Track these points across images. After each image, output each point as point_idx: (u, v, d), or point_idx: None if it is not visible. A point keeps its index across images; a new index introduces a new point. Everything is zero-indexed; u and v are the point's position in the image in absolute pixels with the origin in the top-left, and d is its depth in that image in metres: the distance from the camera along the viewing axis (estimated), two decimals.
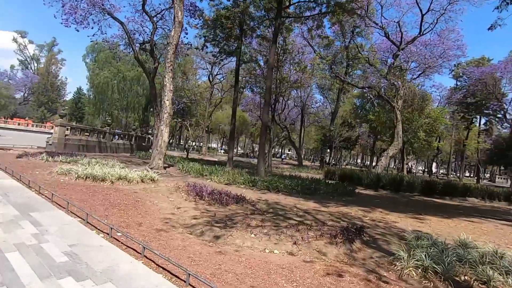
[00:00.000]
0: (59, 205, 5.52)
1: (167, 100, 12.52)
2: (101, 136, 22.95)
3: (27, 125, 50.68)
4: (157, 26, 24.38)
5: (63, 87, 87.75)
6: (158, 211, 5.82)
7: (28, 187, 6.85)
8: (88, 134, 21.54)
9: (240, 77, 42.96)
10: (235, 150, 68.16)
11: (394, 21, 26.16)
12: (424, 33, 25.68)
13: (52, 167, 10.45)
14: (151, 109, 42.42)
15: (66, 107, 36.81)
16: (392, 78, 26.41)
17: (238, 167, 21.33)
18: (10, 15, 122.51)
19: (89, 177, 8.67)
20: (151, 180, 9.69)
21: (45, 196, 6.13)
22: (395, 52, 27.99)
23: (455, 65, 38.23)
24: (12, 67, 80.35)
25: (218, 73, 41.12)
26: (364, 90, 28.23)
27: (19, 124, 51.13)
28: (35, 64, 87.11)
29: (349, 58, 33.37)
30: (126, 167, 12.83)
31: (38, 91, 76.49)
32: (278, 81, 28.81)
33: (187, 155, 32.38)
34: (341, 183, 15.70)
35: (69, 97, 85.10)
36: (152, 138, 40.31)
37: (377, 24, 26.69)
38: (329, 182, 15.77)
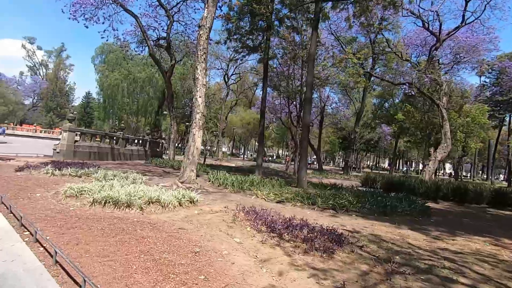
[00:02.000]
0: (71, 278, 3.01)
1: (200, 97, 10.03)
2: (114, 142, 20.65)
3: (35, 131, 49.01)
4: (174, 20, 22.13)
5: (72, 92, 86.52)
6: (243, 278, 3.26)
7: (20, 226, 4.37)
8: (100, 140, 19.24)
9: (255, 76, 40.27)
10: (241, 154, 65.71)
11: (431, 10, 23.40)
12: (467, 22, 22.80)
13: (59, 185, 8.02)
14: (164, 112, 40.26)
15: (75, 111, 34.82)
16: (432, 74, 23.66)
17: (265, 174, 18.81)
18: (19, 23, 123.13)
19: (109, 202, 6.18)
20: (190, 202, 7.16)
21: (44, 252, 3.63)
22: (434, 44, 25.24)
23: (482, 60, 35.12)
24: (21, 73, 79.65)
25: (234, 73, 38.70)
26: (403, 87, 25.40)
27: (27, 130, 49.50)
28: (44, 70, 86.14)
29: (375, 53, 30.79)
30: (149, 180, 10.36)
31: (46, 96, 75.27)
32: (303, 79, 26.30)
33: (204, 160, 29.93)
34: (404, 195, 12.93)
35: (77, 102, 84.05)
36: (165, 144, 38.08)
37: (414, 13, 23.90)
38: (391, 194, 13.03)
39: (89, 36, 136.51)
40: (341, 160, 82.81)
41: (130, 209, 6.10)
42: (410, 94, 26.61)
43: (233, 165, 35.22)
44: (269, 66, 25.04)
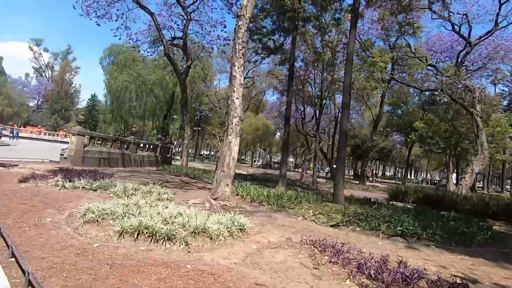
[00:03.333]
0: None
1: (237, 98, 8.54)
2: (125, 147, 19.18)
3: (40, 133, 47.75)
4: (191, 18, 20.84)
5: (77, 95, 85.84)
6: None
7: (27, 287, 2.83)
8: (110, 144, 17.78)
9: (264, 81, 38.83)
10: (246, 160, 64.25)
11: (459, 13, 22.01)
12: (498, 27, 21.40)
13: (72, 202, 6.51)
14: (174, 116, 38.88)
15: (83, 113, 33.43)
16: (462, 80, 22.28)
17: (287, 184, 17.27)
18: (26, 25, 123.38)
19: (142, 232, 4.64)
20: (241, 230, 5.59)
21: None
22: (463, 49, 23.87)
23: (497, 69, 33.49)
24: (26, 75, 78.95)
25: (246, 76, 37.34)
26: (436, 93, 23.92)
27: (31, 132, 48.22)
28: (50, 72, 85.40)
29: (397, 58, 29.42)
30: (173, 195, 8.80)
31: (51, 98, 74.36)
32: (324, 83, 24.88)
33: (216, 168, 28.35)
34: (463, 216, 11.24)
35: (82, 104, 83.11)
36: (173, 149, 36.54)
37: (443, 16, 22.49)
38: (433, 211, 11.37)
39: (95, 39, 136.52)
40: (350, 169, 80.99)
41: (172, 243, 4.54)
42: (431, 102, 25.10)
43: (245, 172, 33.64)
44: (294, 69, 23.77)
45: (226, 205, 8.09)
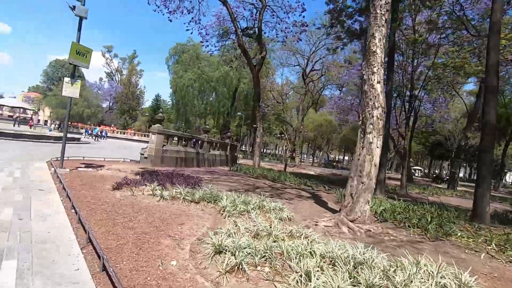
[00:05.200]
0: None
1: (378, 82, 6.20)
2: (199, 146, 18.23)
3: (113, 132, 51.60)
4: (266, 4, 18.97)
5: (142, 96, 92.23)
6: None
7: None
8: (185, 143, 16.90)
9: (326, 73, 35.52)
10: (303, 159, 60.54)
11: None
12: None
13: (184, 225, 4.89)
14: (238, 113, 38.05)
15: (161, 111, 34.25)
16: None
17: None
18: (97, 35, 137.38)
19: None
20: None
21: None
22: None
23: None
24: (100, 79, 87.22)
25: (313, 69, 34.58)
26: None
27: (106, 130, 52.45)
28: (119, 76, 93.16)
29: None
30: (288, 211, 6.81)
31: (121, 100, 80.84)
32: (415, 72, 20.96)
33: (285, 168, 26.37)
34: None
35: (146, 104, 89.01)
36: (238, 147, 35.62)
37: None
38: None
39: (155, 43, 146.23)
40: (424, 169, 72.43)
41: None
42: None
43: (313, 173, 31.07)
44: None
45: (370, 231, 5.81)
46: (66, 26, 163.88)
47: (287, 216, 6.15)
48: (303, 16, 18.76)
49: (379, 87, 6.24)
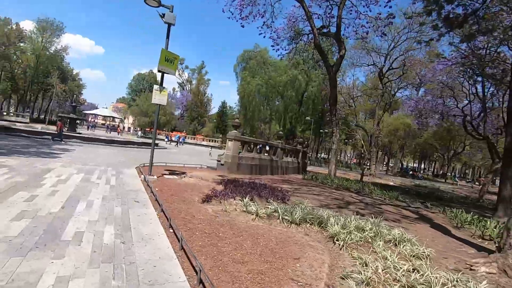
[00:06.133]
0: None
1: None
2: (272, 152, 17.46)
3: (185, 138, 55.25)
4: None
5: (209, 103, 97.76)
6: None
7: None
8: (259, 150, 16.28)
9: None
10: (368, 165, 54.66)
11: None
12: None
13: (300, 261, 3.83)
14: (307, 118, 36.68)
15: (237, 118, 35.18)
16: None
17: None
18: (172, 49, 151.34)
19: None
20: None
21: None
22: None
23: None
24: (173, 89, 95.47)
25: (391, 67, 31.10)
26: None
27: (179, 137, 56.52)
28: (189, 85, 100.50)
29: None
30: (410, 237, 5.21)
31: (190, 108, 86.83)
32: None
33: (362, 177, 23.83)
34: None
35: (213, 111, 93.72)
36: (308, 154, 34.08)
37: None
38: None
39: (218, 54, 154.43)
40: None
41: None
42: None
43: (392, 183, 27.64)
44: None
45: None
46: (147, 45, 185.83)
47: (424, 252, 4.62)
48: (390, 7, 16.46)
49: None
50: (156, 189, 7.37)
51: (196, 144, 53.67)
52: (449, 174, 63.90)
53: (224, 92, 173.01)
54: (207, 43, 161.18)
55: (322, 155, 78.00)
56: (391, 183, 27.25)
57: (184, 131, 64.87)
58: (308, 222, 5.62)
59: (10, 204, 4.53)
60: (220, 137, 60.92)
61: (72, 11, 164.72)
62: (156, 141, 36.51)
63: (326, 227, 5.33)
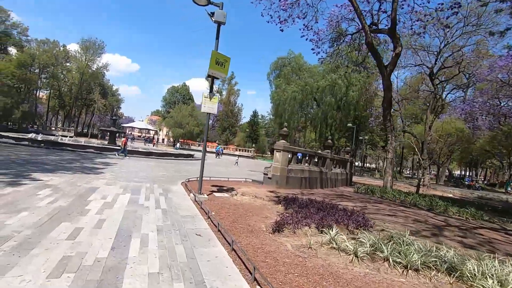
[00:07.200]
0: None
1: None
2: (321, 163, 15.85)
3: (223, 149, 55.18)
4: None
5: (239, 113, 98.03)
6: None
7: None
8: (308, 161, 14.76)
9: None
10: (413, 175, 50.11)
11: None
12: None
13: None
14: (348, 124, 34.47)
15: (285, 127, 33.78)
16: None
17: None
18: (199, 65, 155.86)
19: None
20: None
21: None
22: None
23: None
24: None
25: (443, 66, 28.10)
26: None
27: (212, 147, 56.47)
28: (220, 96, 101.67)
29: None
30: None
31: (222, 118, 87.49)
32: None
33: (418, 189, 21.23)
34: None
35: (243, 121, 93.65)
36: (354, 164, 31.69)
37: None
38: None
39: (245, 64, 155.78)
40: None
41: None
42: None
43: (451, 195, 24.53)
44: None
45: None
46: (176, 59, 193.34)
47: None
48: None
49: None
50: (213, 213, 6.21)
51: (229, 154, 53.19)
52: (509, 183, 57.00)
53: (251, 102, 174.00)
54: (233, 54, 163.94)
55: (357, 163, 73.91)
56: (450, 195, 24.17)
57: (216, 141, 64.96)
58: (431, 268, 4.03)
59: (49, 245, 3.53)
60: (253, 146, 60.03)
61: (110, 32, 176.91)
62: (191, 152, 36.23)
63: (463, 277, 3.72)
